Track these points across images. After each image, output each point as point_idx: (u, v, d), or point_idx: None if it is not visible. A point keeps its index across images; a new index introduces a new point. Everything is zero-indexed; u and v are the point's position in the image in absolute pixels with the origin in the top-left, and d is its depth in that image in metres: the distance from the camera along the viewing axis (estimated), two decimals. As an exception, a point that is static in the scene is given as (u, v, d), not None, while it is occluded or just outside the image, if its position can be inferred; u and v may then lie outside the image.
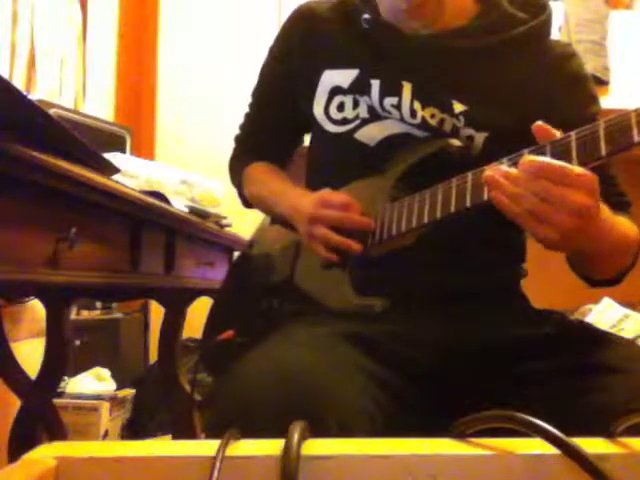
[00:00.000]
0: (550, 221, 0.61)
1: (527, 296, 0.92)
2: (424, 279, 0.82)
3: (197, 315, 1.34)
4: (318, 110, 0.93)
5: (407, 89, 0.85)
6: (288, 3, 2.50)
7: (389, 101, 0.85)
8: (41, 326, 1.66)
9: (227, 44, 2.89)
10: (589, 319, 2.34)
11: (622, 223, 0.78)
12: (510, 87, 0.86)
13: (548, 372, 0.71)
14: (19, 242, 0.82)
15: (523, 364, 0.74)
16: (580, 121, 0.65)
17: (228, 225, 1.73)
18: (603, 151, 0.61)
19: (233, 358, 0.71)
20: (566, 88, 0.87)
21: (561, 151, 0.64)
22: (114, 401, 2.04)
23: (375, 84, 0.86)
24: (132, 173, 1.36)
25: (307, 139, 1.05)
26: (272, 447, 0.36)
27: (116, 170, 1.04)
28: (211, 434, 0.57)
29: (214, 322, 0.99)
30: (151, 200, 1.18)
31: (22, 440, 1.49)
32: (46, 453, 0.37)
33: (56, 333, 1.50)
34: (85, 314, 2.29)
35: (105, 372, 2.13)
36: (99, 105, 2.47)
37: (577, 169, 0.61)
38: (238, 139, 1.10)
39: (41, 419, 1.54)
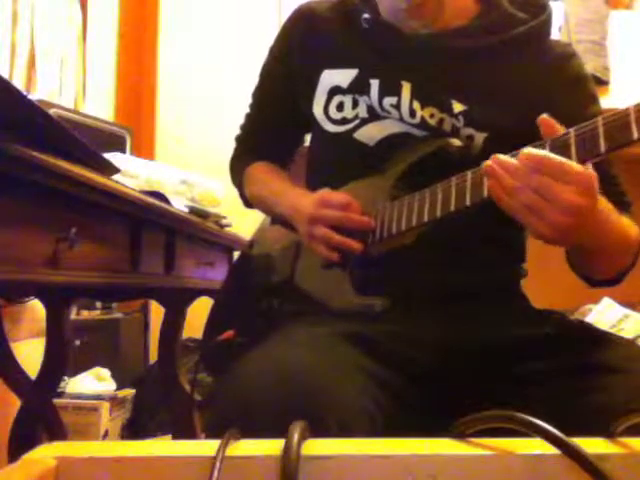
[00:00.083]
0: (544, 217, 0.62)
1: (527, 296, 0.92)
2: (424, 278, 0.82)
3: (197, 315, 1.34)
4: (317, 110, 0.93)
5: (406, 89, 0.85)
6: (288, 3, 2.50)
7: (388, 101, 0.85)
8: (41, 326, 1.66)
9: (227, 44, 2.89)
10: (589, 319, 2.33)
11: (623, 222, 0.78)
12: (510, 87, 0.86)
13: (548, 372, 0.71)
14: (19, 242, 0.82)
15: (523, 364, 0.74)
16: (580, 121, 0.65)
17: (228, 225, 1.73)
18: (602, 148, 0.62)
19: (233, 358, 0.71)
20: (566, 88, 0.87)
21: (560, 147, 0.64)
22: (114, 401, 2.04)
23: (374, 84, 0.86)
24: (132, 173, 1.36)
25: (307, 139, 1.05)
26: (272, 447, 0.36)
27: (116, 170, 1.04)
28: (211, 434, 0.57)
29: (214, 322, 0.99)
30: (151, 200, 1.18)
31: (22, 440, 1.49)
32: (46, 453, 0.37)
33: (56, 333, 1.50)
34: (85, 314, 2.29)
35: (105, 372, 2.13)
36: (99, 105, 2.47)
37: (576, 166, 0.61)
38: (239, 139, 1.10)
39: (41, 419, 1.54)
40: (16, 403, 1.59)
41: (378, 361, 0.71)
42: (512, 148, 0.68)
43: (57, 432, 1.53)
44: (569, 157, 0.63)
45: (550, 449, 0.35)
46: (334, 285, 0.85)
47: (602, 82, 2.77)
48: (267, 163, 1.05)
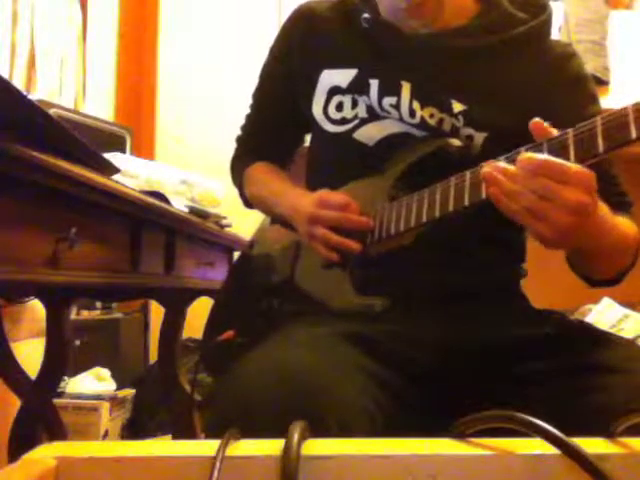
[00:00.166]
0: (547, 218, 0.62)
1: (527, 296, 0.92)
2: (424, 278, 0.82)
3: (197, 315, 1.34)
4: (317, 110, 0.93)
5: (406, 89, 0.85)
6: (288, 3, 2.50)
7: (388, 101, 0.85)
8: (41, 326, 1.66)
9: (227, 44, 2.89)
10: (589, 319, 2.34)
11: (622, 223, 0.78)
12: (510, 87, 0.86)
13: (548, 372, 0.71)
14: (19, 242, 0.82)
15: (523, 364, 0.74)
16: (580, 121, 0.65)
17: (228, 225, 1.73)
18: (600, 148, 0.61)
19: (233, 358, 0.71)
20: (566, 88, 0.87)
21: (558, 148, 0.64)
22: (114, 401, 2.04)
23: (374, 84, 0.86)
24: (132, 173, 1.36)
25: (307, 139, 1.05)
26: (272, 447, 0.36)
27: (116, 170, 1.04)
28: (211, 434, 0.57)
29: (215, 322, 0.99)
30: (151, 200, 1.18)
31: (22, 440, 1.49)
32: (46, 453, 0.37)
33: (56, 333, 1.50)
34: (85, 314, 2.29)
35: (105, 372, 2.13)
36: (99, 105, 2.46)
37: (574, 166, 0.61)
38: (239, 140, 1.10)
39: (41, 419, 1.54)
40: (16, 403, 1.59)
41: (378, 361, 0.71)
42: (512, 148, 0.68)
43: (57, 432, 1.53)
44: (567, 158, 0.63)
45: (550, 449, 0.35)
46: (334, 285, 0.85)
47: (602, 82, 2.77)
48: (267, 163, 1.05)
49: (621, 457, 0.36)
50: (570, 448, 0.35)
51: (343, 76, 0.90)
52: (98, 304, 2.32)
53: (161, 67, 2.89)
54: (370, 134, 0.87)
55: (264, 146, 1.07)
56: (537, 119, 0.66)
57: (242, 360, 0.66)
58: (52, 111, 1.60)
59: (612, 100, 2.65)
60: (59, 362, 1.53)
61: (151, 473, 0.36)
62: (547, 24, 0.89)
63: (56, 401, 1.68)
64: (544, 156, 0.62)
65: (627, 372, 0.66)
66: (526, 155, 0.63)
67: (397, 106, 0.85)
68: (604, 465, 0.34)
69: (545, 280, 1.92)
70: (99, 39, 2.51)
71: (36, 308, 1.80)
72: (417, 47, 0.87)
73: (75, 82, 2.29)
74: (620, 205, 0.84)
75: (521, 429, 0.36)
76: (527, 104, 0.83)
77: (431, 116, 0.84)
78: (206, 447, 0.37)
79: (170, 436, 1.84)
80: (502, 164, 0.65)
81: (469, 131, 0.83)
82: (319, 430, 0.39)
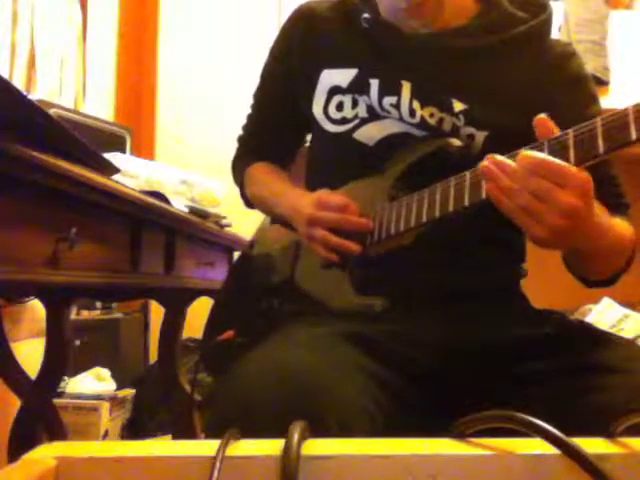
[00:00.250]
0: (541, 219, 0.62)
1: (527, 296, 0.92)
2: (423, 278, 0.82)
3: (197, 315, 1.34)
4: (317, 110, 0.93)
5: (406, 88, 0.85)
6: (288, 3, 2.50)
7: (388, 100, 0.85)
8: (41, 326, 1.66)
9: (227, 44, 2.89)
10: (589, 319, 2.34)
11: (618, 224, 0.78)
12: (510, 86, 0.86)
13: (548, 372, 0.71)
14: (19, 242, 0.82)
15: (523, 364, 0.74)
16: (580, 121, 0.65)
17: (228, 225, 1.73)
18: (601, 148, 0.61)
19: (233, 358, 0.71)
20: (566, 88, 0.87)
21: (559, 148, 0.64)
22: (114, 401, 2.04)
23: (374, 83, 0.86)
24: (132, 173, 1.36)
25: (308, 139, 1.05)
26: (272, 447, 0.36)
27: (116, 170, 1.04)
28: (211, 434, 0.57)
29: (215, 322, 0.99)
30: (151, 200, 1.18)
31: (22, 440, 1.49)
32: (46, 453, 0.37)
33: (56, 333, 1.50)
34: (85, 314, 2.29)
35: (105, 372, 2.13)
36: (99, 105, 2.47)
37: (573, 169, 0.61)
38: (240, 139, 1.10)
39: (41, 419, 1.54)
40: (16, 403, 1.59)
41: (378, 361, 0.71)
42: (513, 147, 0.68)
43: (57, 432, 1.53)
44: (567, 158, 0.63)
45: (550, 449, 0.35)
46: (334, 285, 0.85)
47: (602, 82, 2.77)
48: (267, 164, 1.05)
49: (621, 457, 0.36)
50: (570, 448, 0.35)
51: (343, 76, 0.90)
52: (98, 304, 2.32)
53: (161, 67, 2.89)
54: (370, 134, 0.87)
55: (265, 146, 1.07)
56: (543, 115, 0.66)
57: (242, 360, 0.66)
58: (52, 111, 1.60)
59: (612, 100, 2.65)
60: (59, 362, 1.53)
61: (151, 473, 0.36)
62: (547, 23, 0.89)
63: (56, 401, 1.68)
64: (544, 155, 0.62)
65: (627, 372, 0.66)
66: (526, 153, 0.63)
67: (397, 106, 0.85)
68: (604, 465, 0.34)
69: (545, 280, 1.92)
70: (99, 39, 2.51)
71: (36, 308, 1.80)
72: (417, 47, 0.87)
73: (75, 82, 2.29)
74: (618, 206, 0.85)
75: (521, 429, 0.36)
76: (527, 103, 0.83)
77: (431, 116, 0.84)
78: (206, 447, 0.37)
79: (170, 436, 1.84)
80: (501, 158, 0.65)
81: (470, 130, 0.83)
82: (319, 430, 0.39)
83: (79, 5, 2.35)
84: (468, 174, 0.72)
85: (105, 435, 1.96)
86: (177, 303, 1.64)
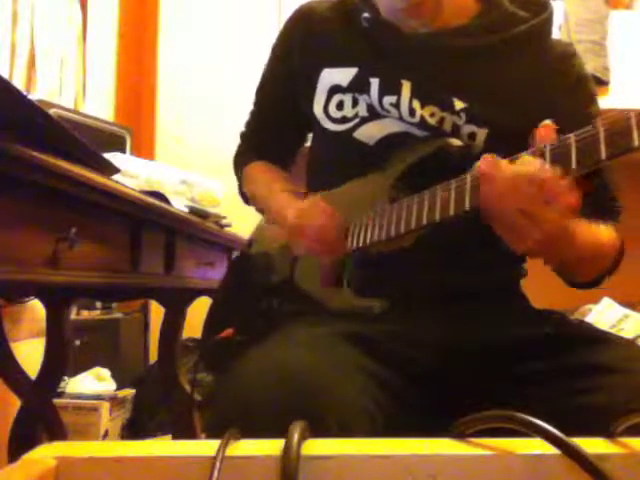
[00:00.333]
0: (521, 233, 0.64)
1: (527, 296, 0.92)
2: (423, 279, 0.82)
3: (197, 315, 1.34)
4: (318, 109, 0.93)
5: (406, 88, 0.85)
6: (288, 3, 2.50)
7: (388, 100, 0.85)
8: (41, 326, 1.66)
9: (227, 44, 2.89)
10: (589, 319, 2.34)
11: (599, 232, 0.80)
12: (511, 86, 0.86)
13: (548, 372, 0.71)
14: (19, 242, 0.82)
15: (523, 364, 0.74)
16: (579, 121, 0.65)
17: (228, 225, 1.73)
18: (603, 154, 0.61)
19: (233, 356, 0.71)
20: (567, 88, 0.87)
21: (560, 154, 0.64)
22: (114, 401, 2.04)
23: (374, 83, 0.86)
24: (132, 173, 1.36)
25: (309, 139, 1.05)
26: (272, 447, 0.36)
27: (116, 170, 1.04)
28: (211, 434, 0.57)
29: (213, 320, 0.99)
30: (151, 200, 1.18)
31: (22, 440, 1.49)
32: (46, 453, 0.37)
33: (56, 333, 1.50)
34: (85, 314, 2.29)
35: (105, 372, 2.13)
36: (99, 105, 2.46)
37: (566, 189, 0.62)
38: (242, 136, 1.11)
39: (41, 419, 1.54)
40: (16, 403, 1.59)
41: (378, 361, 0.71)
42: (514, 146, 0.68)
43: (57, 432, 1.53)
44: (569, 164, 0.62)
45: (550, 449, 0.35)
46: (333, 286, 0.85)
47: (602, 82, 2.77)
48: (266, 163, 1.05)
49: (621, 457, 0.36)
50: (570, 448, 0.35)
51: (343, 75, 0.90)
52: (98, 304, 2.32)
53: (161, 67, 2.89)
54: (370, 133, 0.87)
55: (265, 145, 1.07)
56: (548, 121, 0.67)
57: (242, 360, 0.66)
58: (52, 111, 1.60)
59: (612, 100, 2.65)
60: (59, 362, 1.53)
61: (151, 473, 0.36)
62: (548, 23, 0.89)
63: (56, 401, 1.69)
64: (539, 164, 0.63)
65: (627, 372, 0.66)
66: (526, 158, 0.64)
67: (397, 105, 0.85)
68: (604, 465, 0.34)
69: (545, 280, 1.92)
70: (99, 39, 2.51)
71: (36, 308, 1.80)
72: (417, 46, 0.87)
73: (75, 82, 2.29)
74: (610, 212, 0.86)
75: (521, 429, 0.36)
76: (527, 103, 0.83)
77: (431, 115, 0.84)
78: (206, 447, 0.37)
79: (170, 436, 1.84)
80: (497, 160, 0.66)
81: (471, 128, 0.83)
82: (319, 430, 0.39)
83: (79, 5, 2.35)
84: (469, 177, 0.71)
85: (105, 435, 1.96)
86: (177, 303, 1.64)
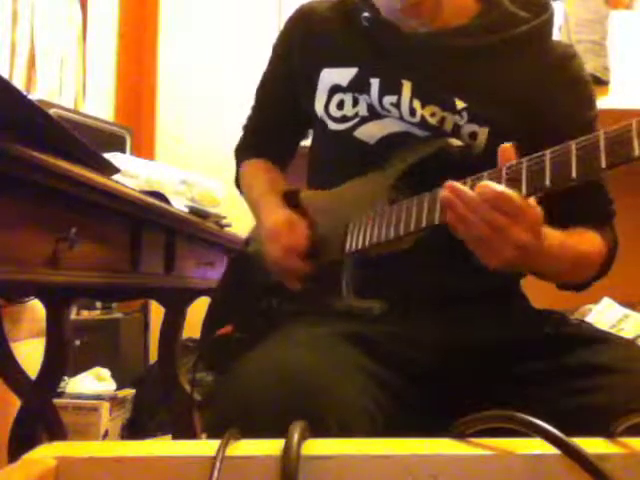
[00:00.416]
0: (493, 248, 0.65)
1: (527, 296, 0.92)
2: (422, 281, 0.82)
3: (197, 315, 1.34)
4: (319, 108, 0.93)
5: (407, 87, 0.85)
6: (288, 3, 2.49)
7: (388, 99, 0.85)
8: (41, 326, 1.66)
9: (227, 44, 2.89)
10: (589, 319, 2.33)
11: (582, 243, 0.80)
12: (511, 86, 0.86)
13: (548, 372, 0.71)
14: (19, 242, 0.82)
15: (523, 364, 0.74)
16: (577, 123, 0.65)
17: (228, 225, 1.72)
18: (603, 164, 0.60)
19: (231, 354, 0.71)
20: (566, 89, 0.87)
21: (561, 162, 0.63)
22: (114, 401, 2.04)
23: (374, 82, 0.86)
24: (132, 173, 1.36)
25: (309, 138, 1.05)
26: (272, 447, 0.36)
27: (116, 170, 1.04)
28: (211, 434, 0.57)
29: (212, 318, 0.99)
30: (151, 200, 1.18)
31: (22, 440, 1.49)
32: (46, 453, 0.37)
33: (56, 333, 1.50)
34: (85, 314, 2.29)
35: (105, 372, 2.13)
36: (99, 105, 2.46)
37: (526, 205, 0.64)
38: (244, 129, 1.11)
39: (41, 419, 1.54)
40: (16, 403, 1.59)
41: (378, 361, 0.71)
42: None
43: (57, 432, 1.53)
44: (570, 172, 0.62)
45: (550, 449, 0.35)
46: (332, 287, 0.85)
47: (602, 82, 2.77)
48: (261, 161, 1.06)
49: (621, 457, 0.36)
50: (570, 448, 0.35)
51: (343, 75, 0.90)
52: (98, 304, 2.32)
53: (161, 67, 2.89)
54: (371, 132, 0.87)
55: (264, 143, 1.08)
56: (507, 144, 0.68)
57: (242, 360, 0.66)
58: (52, 111, 1.60)
59: (612, 100, 2.65)
60: (59, 362, 1.53)
61: (151, 473, 0.36)
62: (549, 23, 0.89)
63: (56, 401, 1.68)
64: (501, 188, 0.64)
65: (627, 372, 0.66)
66: (484, 183, 0.65)
67: (397, 105, 0.85)
68: (604, 465, 0.34)
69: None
70: (99, 39, 2.51)
71: (36, 308, 1.80)
72: (417, 46, 0.87)
73: (75, 82, 2.29)
74: (602, 216, 0.87)
75: (521, 429, 0.36)
76: (527, 103, 0.83)
77: (432, 115, 0.84)
78: (206, 447, 0.37)
79: (170, 436, 1.84)
80: (460, 187, 0.66)
81: (473, 127, 0.83)
82: (319, 430, 0.39)
83: (79, 5, 2.35)
84: (469, 181, 0.71)
85: (105, 435, 1.96)
86: (177, 303, 1.64)
